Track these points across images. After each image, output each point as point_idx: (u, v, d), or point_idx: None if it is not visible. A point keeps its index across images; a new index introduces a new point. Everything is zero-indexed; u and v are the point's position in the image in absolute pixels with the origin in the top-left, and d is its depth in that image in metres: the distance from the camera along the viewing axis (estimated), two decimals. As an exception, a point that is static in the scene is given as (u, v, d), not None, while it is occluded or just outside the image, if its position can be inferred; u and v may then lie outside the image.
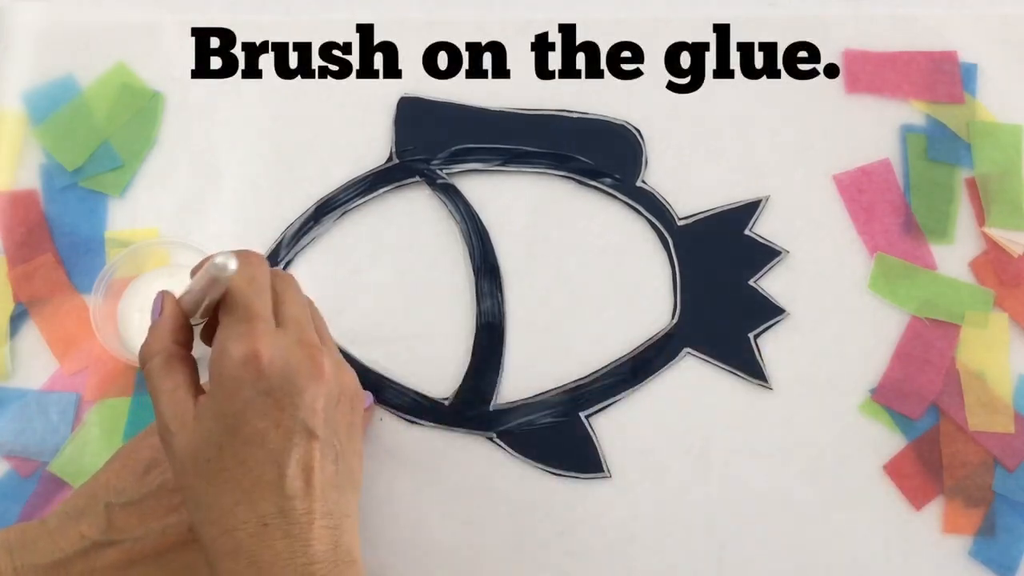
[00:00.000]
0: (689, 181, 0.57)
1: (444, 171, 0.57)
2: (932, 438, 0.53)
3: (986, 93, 0.58)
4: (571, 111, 0.58)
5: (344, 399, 0.42)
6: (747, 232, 0.56)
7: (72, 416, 0.54)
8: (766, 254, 0.56)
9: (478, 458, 0.53)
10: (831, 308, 0.55)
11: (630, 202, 0.57)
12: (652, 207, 0.57)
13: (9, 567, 0.44)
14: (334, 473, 0.41)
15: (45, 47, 0.60)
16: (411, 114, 0.58)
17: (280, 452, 0.39)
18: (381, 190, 0.57)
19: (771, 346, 0.54)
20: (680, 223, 0.56)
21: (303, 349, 0.40)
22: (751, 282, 0.55)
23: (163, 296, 0.44)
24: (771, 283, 0.55)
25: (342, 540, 0.40)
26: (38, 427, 0.54)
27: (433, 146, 0.58)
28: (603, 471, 0.53)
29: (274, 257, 0.56)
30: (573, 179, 0.57)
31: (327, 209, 0.57)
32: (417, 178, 0.57)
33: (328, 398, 0.40)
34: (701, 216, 0.56)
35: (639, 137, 0.57)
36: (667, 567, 0.52)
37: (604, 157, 0.57)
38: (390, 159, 0.58)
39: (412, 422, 0.54)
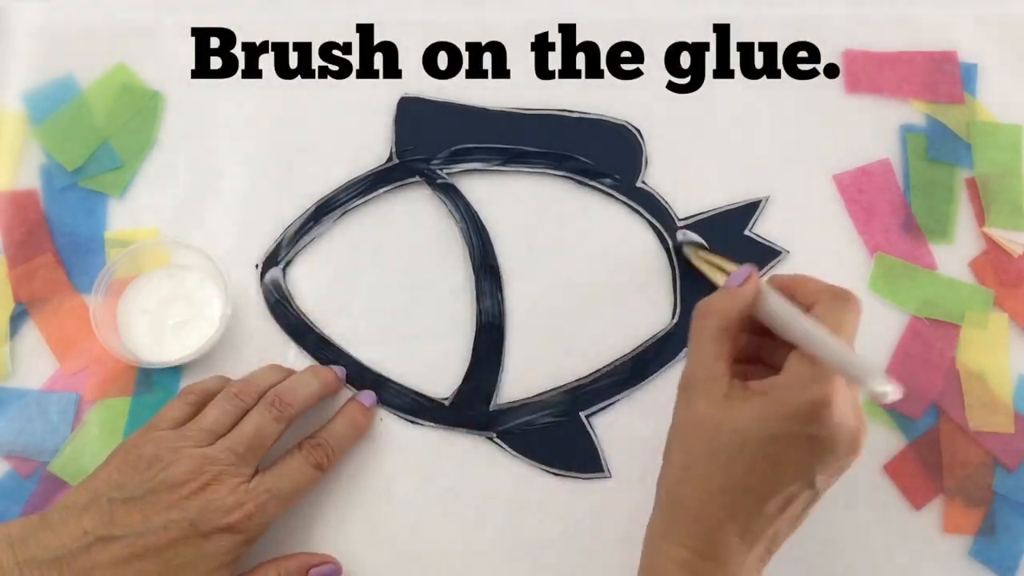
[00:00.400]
0: (689, 181, 0.57)
1: (444, 171, 0.57)
2: (932, 438, 0.53)
3: (986, 93, 0.58)
4: (571, 111, 0.58)
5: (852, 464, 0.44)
6: (747, 232, 0.56)
7: (72, 416, 0.54)
8: (766, 254, 0.56)
9: (478, 458, 0.53)
10: (831, 308, 0.55)
11: (630, 202, 0.57)
12: (652, 207, 0.57)
13: (11, 561, 0.44)
14: (797, 518, 0.44)
15: (45, 47, 0.60)
16: (411, 114, 0.58)
17: (779, 482, 0.42)
18: (381, 190, 0.57)
19: (771, 346, 0.54)
20: (680, 223, 0.56)
21: (855, 416, 0.43)
22: (751, 282, 0.55)
23: (752, 274, 0.46)
24: (771, 283, 0.55)
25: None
26: (38, 427, 0.54)
27: (433, 146, 0.58)
28: (603, 471, 0.53)
29: (274, 257, 0.56)
30: (573, 179, 0.57)
31: (327, 209, 0.57)
32: (417, 178, 0.57)
33: (845, 465, 0.43)
34: (701, 216, 0.56)
35: (639, 137, 0.57)
36: (667, 567, 0.52)
37: (604, 157, 0.57)
38: (390, 159, 0.58)
39: (412, 422, 0.54)
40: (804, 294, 0.46)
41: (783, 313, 0.44)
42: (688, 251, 0.54)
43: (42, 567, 0.44)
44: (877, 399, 0.39)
